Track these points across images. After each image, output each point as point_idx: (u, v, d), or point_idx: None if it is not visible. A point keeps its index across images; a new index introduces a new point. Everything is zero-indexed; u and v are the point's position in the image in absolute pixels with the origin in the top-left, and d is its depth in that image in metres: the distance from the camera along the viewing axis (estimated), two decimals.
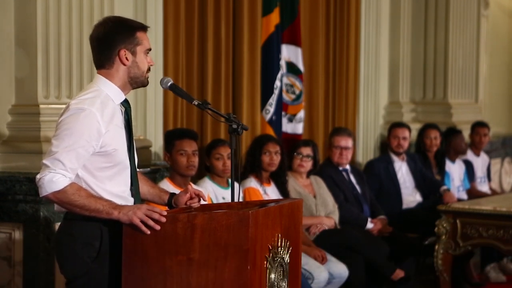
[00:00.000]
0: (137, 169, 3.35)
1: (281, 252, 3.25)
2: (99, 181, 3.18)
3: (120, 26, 3.24)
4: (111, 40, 3.21)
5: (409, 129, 6.93)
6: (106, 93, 3.21)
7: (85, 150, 3.09)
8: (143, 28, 3.29)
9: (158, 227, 3.06)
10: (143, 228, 3.05)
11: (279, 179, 5.58)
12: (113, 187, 3.21)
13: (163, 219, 3.06)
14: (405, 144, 6.85)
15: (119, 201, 3.17)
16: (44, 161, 3.10)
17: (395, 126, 6.93)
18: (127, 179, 3.27)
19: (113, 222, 3.11)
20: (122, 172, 3.24)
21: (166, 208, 3.35)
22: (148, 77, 3.31)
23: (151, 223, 3.05)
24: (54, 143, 3.10)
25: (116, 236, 3.14)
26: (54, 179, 3.06)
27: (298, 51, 6.39)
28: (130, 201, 3.27)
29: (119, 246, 3.13)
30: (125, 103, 3.29)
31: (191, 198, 3.38)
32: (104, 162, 3.17)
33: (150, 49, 3.30)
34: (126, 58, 3.21)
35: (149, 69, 3.30)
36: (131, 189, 3.28)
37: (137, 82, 3.28)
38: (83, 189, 3.12)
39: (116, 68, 3.23)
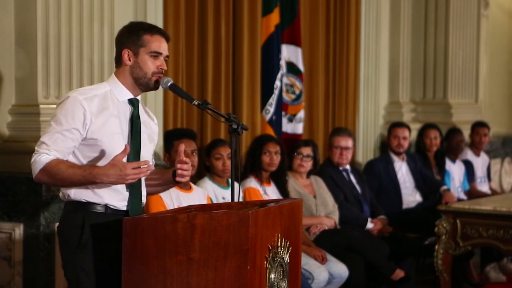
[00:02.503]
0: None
1: (281, 252, 3.25)
2: None
3: (129, 28, 3.37)
4: (119, 41, 3.37)
5: (409, 129, 6.93)
6: (110, 89, 3.33)
7: (70, 132, 3.20)
8: (152, 31, 3.34)
9: (148, 173, 3.23)
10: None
11: (279, 179, 5.58)
12: None
13: (150, 169, 3.25)
14: (405, 144, 6.85)
15: (112, 192, 3.27)
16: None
17: (395, 126, 6.93)
18: None
19: (96, 213, 3.24)
20: None
21: (148, 162, 3.31)
22: (155, 80, 3.35)
23: (142, 176, 3.22)
24: (45, 132, 3.26)
25: (98, 226, 3.24)
26: (37, 159, 3.19)
27: (298, 51, 6.39)
28: (124, 194, 3.32)
29: (101, 236, 3.24)
30: (133, 103, 3.36)
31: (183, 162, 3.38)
32: (91, 152, 3.25)
33: (159, 53, 3.34)
34: (129, 59, 3.33)
35: (158, 73, 3.34)
36: (127, 186, 3.30)
37: (141, 83, 3.36)
38: (63, 161, 3.20)
39: (122, 67, 3.36)
